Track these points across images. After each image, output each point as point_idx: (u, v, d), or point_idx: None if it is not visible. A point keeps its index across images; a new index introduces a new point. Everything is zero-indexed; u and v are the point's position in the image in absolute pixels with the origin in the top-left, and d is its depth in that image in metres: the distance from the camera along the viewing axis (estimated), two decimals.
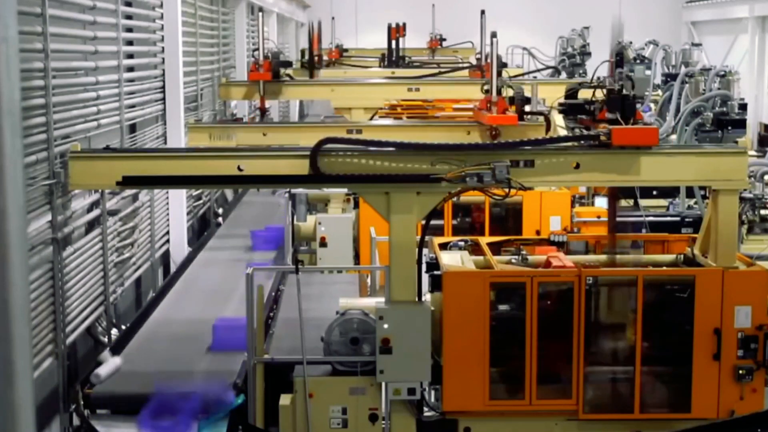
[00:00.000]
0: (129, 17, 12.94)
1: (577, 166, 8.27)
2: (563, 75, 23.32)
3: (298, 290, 8.16)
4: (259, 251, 12.85)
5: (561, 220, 12.91)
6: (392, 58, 24.68)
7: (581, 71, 23.26)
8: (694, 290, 8.28)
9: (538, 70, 23.11)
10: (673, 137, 15.12)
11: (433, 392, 8.68)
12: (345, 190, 13.36)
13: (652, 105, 19.40)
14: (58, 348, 9.24)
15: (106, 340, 10.75)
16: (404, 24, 26.46)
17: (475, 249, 9.45)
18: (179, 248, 14.53)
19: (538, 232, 12.55)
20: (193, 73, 17.02)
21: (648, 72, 20.96)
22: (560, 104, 9.25)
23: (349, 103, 16.16)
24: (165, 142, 14.52)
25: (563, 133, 10.50)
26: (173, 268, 13.63)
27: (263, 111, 16.18)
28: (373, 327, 8.21)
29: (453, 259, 8.94)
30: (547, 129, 11.82)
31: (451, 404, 8.34)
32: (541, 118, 11.93)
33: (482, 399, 8.30)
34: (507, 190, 8.12)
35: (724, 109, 14.27)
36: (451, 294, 8.26)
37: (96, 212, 10.83)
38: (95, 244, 10.66)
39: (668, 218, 13.17)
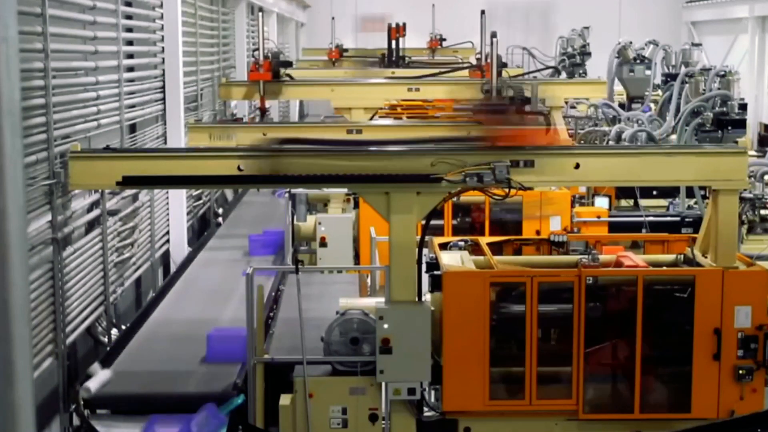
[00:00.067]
0: (129, 17, 12.93)
1: (577, 166, 8.28)
2: (563, 75, 23.31)
3: (298, 290, 8.15)
4: (257, 256, 12.78)
5: (561, 220, 12.90)
6: (392, 58, 24.66)
7: (581, 71, 23.25)
8: (694, 290, 8.28)
9: (538, 70, 23.10)
10: (673, 137, 15.12)
11: (433, 392, 8.67)
12: (345, 190, 13.36)
13: (652, 105, 19.41)
14: (58, 348, 9.24)
15: (106, 340, 10.74)
16: (404, 24, 26.44)
17: (475, 249, 9.44)
18: (179, 248, 14.52)
19: (538, 232, 12.54)
20: (193, 73, 17.01)
21: (648, 72, 21.14)
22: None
23: (349, 103, 16.13)
24: (165, 142, 14.50)
25: (563, 133, 10.52)
26: (173, 268, 13.61)
27: (263, 111, 16.18)
28: (373, 327, 8.20)
29: (453, 259, 8.93)
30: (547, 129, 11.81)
31: (451, 404, 8.34)
32: (541, 118, 11.91)
33: (482, 399, 8.29)
34: (507, 190, 8.13)
35: (724, 109, 14.25)
36: (451, 294, 8.25)
37: (96, 212, 10.83)
38: (95, 244, 10.66)
39: (668, 218, 13.18)
